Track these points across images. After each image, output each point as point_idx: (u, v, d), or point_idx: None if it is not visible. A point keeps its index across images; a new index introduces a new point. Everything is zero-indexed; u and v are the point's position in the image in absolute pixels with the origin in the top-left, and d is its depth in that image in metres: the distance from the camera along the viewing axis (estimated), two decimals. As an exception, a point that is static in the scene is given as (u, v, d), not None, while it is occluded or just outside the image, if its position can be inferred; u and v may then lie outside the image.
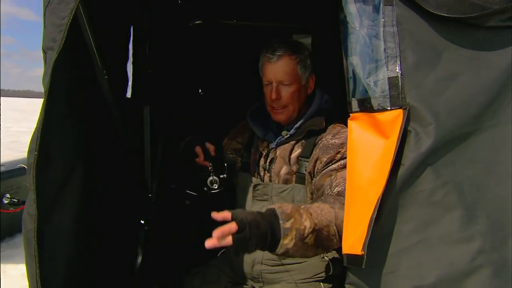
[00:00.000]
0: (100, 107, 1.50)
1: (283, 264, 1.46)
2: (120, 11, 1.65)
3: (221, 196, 1.57)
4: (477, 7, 0.88)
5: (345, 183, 1.02)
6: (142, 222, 1.82)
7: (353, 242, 0.91)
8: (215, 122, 1.95)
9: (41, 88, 1.15)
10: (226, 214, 0.99)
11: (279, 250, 1.01)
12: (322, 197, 1.24)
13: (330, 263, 1.45)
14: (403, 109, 0.90)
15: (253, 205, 1.51)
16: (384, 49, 0.92)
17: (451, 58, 0.91)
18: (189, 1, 2.20)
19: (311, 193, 1.41)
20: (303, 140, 1.47)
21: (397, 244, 0.92)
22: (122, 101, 1.71)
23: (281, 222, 1.01)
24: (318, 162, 1.38)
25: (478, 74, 0.91)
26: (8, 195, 2.95)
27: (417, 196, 0.91)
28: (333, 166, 1.32)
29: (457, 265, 0.90)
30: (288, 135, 1.50)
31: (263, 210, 1.45)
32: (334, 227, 1.07)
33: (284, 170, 1.47)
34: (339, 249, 1.18)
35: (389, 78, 0.91)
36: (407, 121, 0.89)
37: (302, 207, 1.08)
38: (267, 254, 1.47)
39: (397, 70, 0.91)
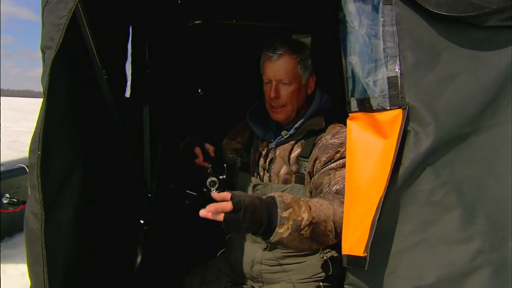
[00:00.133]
0: (99, 107, 1.50)
1: (282, 264, 1.46)
2: (119, 11, 1.65)
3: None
4: (476, 6, 0.88)
5: (344, 182, 1.03)
6: (142, 222, 1.82)
7: (354, 243, 0.91)
8: (215, 122, 1.94)
9: (40, 88, 1.15)
10: (225, 195, 1.00)
11: (274, 238, 1.02)
12: (321, 195, 1.24)
13: (330, 263, 1.45)
14: (403, 109, 0.90)
15: (253, 205, 1.50)
16: (384, 49, 0.92)
17: (451, 57, 0.91)
18: (189, 1, 2.20)
19: (310, 192, 1.40)
20: (303, 140, 1.47)
21: (397, 244, 0.92)
22: (121, 101, 1.71)
23: (279, 210, 1.02)
24: (317, 162, 1.38)
25: (477, 74, 0.91)
26: (7, 195, 2.95)
27: (417, 196, 0.91)
28: (332, 165, 1.32)
29: (456, 265, 0.90)
30: (288, 135, 1.50)
31: None
32: (332, 223, 1.07)
33: (283, 170, 1.47)
34: (338, 249, 1.18)
35: (388, 78, 0.91)
36: (406, 121, 0.89)
37: (302, 199, 1.09)
38: (266, 254, 1.47)
39: (397, 70, 0.91)
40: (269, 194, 1.08)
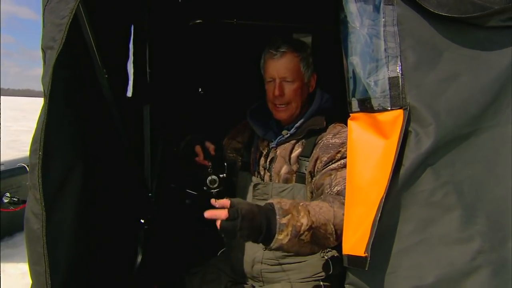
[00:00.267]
0: (99, 106, 1.50)
1: (283, 264, 1.46)
2: (120, 10, 1.65)
3: (221, 196, 1.56)
4: (478, 6, 0.88)
5: (345, 183, 1.03)
6: (142, 221, 1.82)
7: (355, 243, 0.91)
8: (215, 122, 1.94)
9: (40, 87, 1.15)
10: (225, 202, 1.01)
11: (274, 244, 1.02)
12: (322, 196, 1.24)
13: (330, 262, 1.45)
14: (404, 109, 0.90)
15: (253, 205, 1.51)
16: (385, 49, 0.92)
17: (452, 58, 0.91)
18: (190, 0, 2.20)
19: (311, 192, 1.41)
20: (304, 140, 1.47)
21: (397, 244, 0.92)
22: (122, 100, 1.71)
23: (278, 217, 1.02)
24: (318, 162, 1.38)
25: (478, 74, 0.91)
26: (8, 194, 2.95)
27: (417, 196, 0.91)
28: (333, 165, 1.32)
29: (456, 265, 0.90)
30: (289, 134, 1.50)
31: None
32: (332, 226, 1.07)
33: (284, 169, 1.47)
34: (339, 249, 1.18)
35: (389, 78, 0.91)
36: (407, 121, 0.89)
37: (301, 204, 1.09)
38: (267, 254, 1.47)
39: (398, 70, 0.91)
40: (268, 201, 1.08)
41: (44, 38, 1.15)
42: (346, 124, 1.03)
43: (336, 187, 1.24)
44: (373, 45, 0.94)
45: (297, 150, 1.47)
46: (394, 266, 0.92)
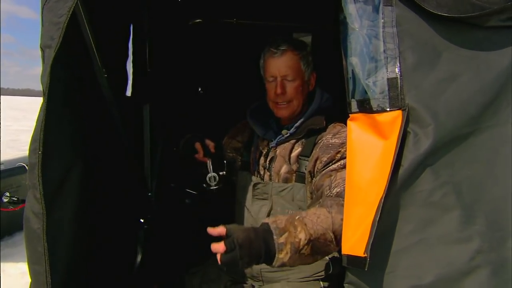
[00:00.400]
0: (99, 106, 1.50)
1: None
2: (119, 9, 1.64)
3: (221, 194, 1.57)
4: (477, 7, 0.88)
5: (345, 184, 1.03)
6: (142, 221, 1.82)
7: (354, 243, 0.92)
8: (215, 121, 1.95)
9: (40, 87, 1.15)
10: (221, 230, 1.01)
11: (276, 263, 1.03)
12: (320, 200, 1.24)
13: (330, 262, 1.46)
14: (402, 110, 0.90)
15: (253, 204, 1.51)
16: (384, 50, 0.92)
17: (451, 58, 0.91)
18: (189, -1, 2.20)
19: (311, 193, 1.41)
20: (303, 139, 1.47)
21: (396, 244, 0.92)
22: (121, 99, 1.71)
23: (275, 237, 1.02)
24: (318, 162, 1.38)
25: (477, 75, 0.91)
26: (7, 194, 2.95)
27: (416, 196, 0.91)
28: (333, 166, 1.32)
29: (455, 264, 0.90)
30: (288, 134, 1.50)
31: (263, 208, 1.46)
32: (331, 234, 1.07)
33: (284, 169, 1.47)
34: (339, 249, 1.19)
35: (388, 79, 0.91)
36: (406, 122, 0.89)
37: (297, 217, 1.08)
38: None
39: (397, 71, 0.91)
40: (263, 221, 1.08)
41: (42, 37, 1.15)
42: (345, 124, 1.03)
43: (336, 188, 1.24)
44: (372, 46, 0.94)
45: (297, 150, 1.47)
46: (393, 266, 0.92)
